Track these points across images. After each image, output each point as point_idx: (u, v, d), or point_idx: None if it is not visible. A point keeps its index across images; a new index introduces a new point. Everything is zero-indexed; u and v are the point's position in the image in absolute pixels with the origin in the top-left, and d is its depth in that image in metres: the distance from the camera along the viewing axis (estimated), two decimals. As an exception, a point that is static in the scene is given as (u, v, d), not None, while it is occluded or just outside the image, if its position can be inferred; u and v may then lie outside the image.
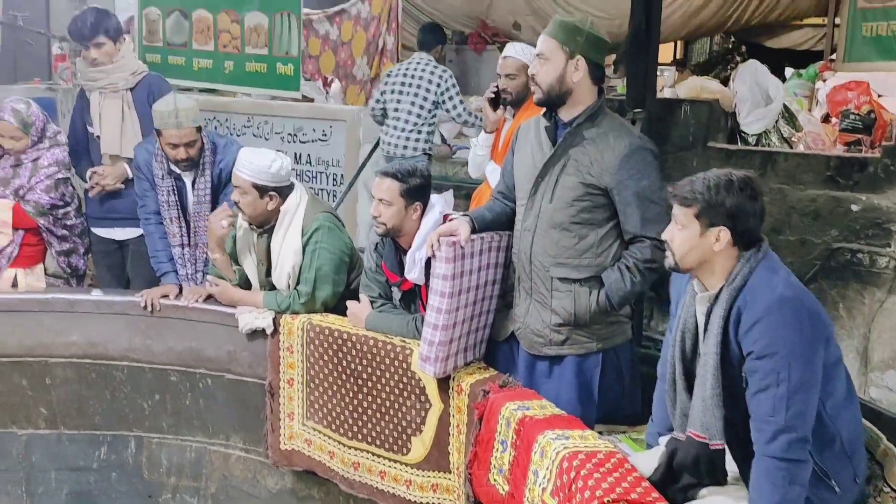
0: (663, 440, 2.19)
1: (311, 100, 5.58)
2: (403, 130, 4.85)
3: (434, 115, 4.91)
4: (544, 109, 2.62)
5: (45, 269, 3.73)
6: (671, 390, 2.13)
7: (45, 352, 3.37)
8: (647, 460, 2.20)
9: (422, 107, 4.83)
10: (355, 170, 4.97)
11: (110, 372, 3.37)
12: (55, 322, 3.40)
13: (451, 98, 4.85)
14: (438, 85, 4.83)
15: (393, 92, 4.90)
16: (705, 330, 2.03)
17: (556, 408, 2.42)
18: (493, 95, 3.46)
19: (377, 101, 5.03)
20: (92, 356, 3.37)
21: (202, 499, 3.36)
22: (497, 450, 2.43)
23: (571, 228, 2.53)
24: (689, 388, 2.06)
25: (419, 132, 4.85)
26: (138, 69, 3.78)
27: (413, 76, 4.87)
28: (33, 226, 3.59)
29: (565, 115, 2.56)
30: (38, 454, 3.40)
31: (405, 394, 2.84)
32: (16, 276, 3.58)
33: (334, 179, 5.08)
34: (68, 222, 3.69)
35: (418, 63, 4.92)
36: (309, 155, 5.14)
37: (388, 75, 5.05)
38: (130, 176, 3.64)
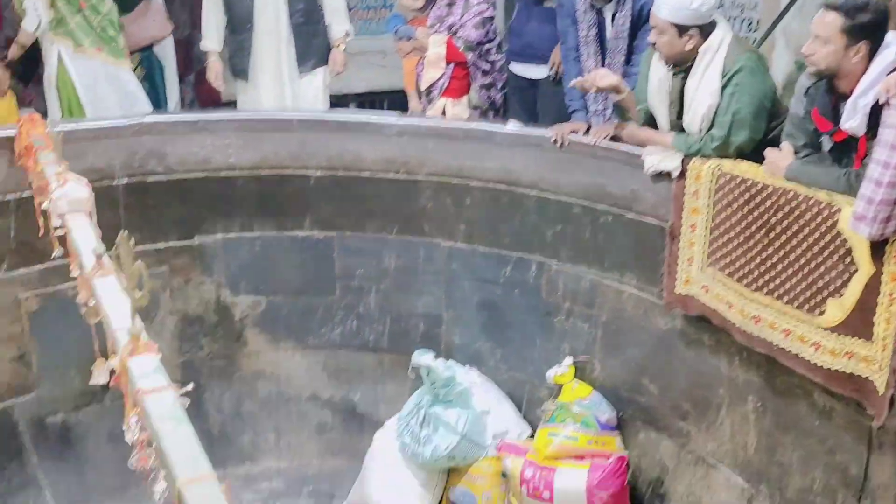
0: None
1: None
2: None
3: None
4: None
5: (469, 101, 4.09)
6: None
7: (466, 174, 3.72)
8: None
9: None
10: (774, 15, 4.49)
11: (520, 199, 3.62)
12: (475, 149, 3.70)
13: None
14: None
15: None
16: None
17: None
18: None
19: None
20: (506, 182, 3.63)
21: (593, 326, 3.54)
22: (942, 325, 2.14)
23: None
24: None
25: None
26: None
27: None
28: (462, 60, 3.92)
29: None
30: (456, 264, 3.84)
31: (826, 252, 2.61)
32: (445, 105, 4.00)
33: (749, 25, 4.67)
34: (490, 58, 3.98)
35: None
36: (724, -3, 4.77)
37: None
38: None
